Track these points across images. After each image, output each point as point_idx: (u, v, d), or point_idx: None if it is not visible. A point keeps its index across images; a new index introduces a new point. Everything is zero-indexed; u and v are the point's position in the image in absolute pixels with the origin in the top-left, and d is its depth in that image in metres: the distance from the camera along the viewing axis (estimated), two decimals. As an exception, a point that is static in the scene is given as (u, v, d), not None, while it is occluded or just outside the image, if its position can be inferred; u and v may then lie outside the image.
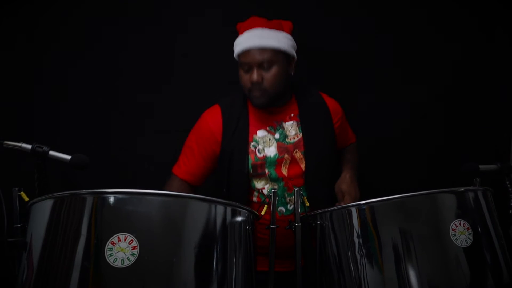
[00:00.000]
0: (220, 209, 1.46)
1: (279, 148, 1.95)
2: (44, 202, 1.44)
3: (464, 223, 1.50)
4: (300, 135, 1.97)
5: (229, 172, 1.94)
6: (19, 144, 1.62)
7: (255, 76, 1.87)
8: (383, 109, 2.46)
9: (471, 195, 1.58)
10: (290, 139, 1.97)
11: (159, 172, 2.14)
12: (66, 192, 1.40)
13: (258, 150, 1.94)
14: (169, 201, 1.42)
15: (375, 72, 2.45)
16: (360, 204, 1.56)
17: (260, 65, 1.88)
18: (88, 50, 2.35)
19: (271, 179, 1.94)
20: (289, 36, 1.96)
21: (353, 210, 1.56)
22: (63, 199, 1.40)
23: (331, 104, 2.07)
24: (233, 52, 1.97)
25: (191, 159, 2.00)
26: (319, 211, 1.64)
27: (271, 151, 1.94)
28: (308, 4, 2.39)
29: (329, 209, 1.63)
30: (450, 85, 2.48)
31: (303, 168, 1.94)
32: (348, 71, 2.45)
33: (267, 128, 1.97)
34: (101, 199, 1.37)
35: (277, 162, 1.94)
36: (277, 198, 1.88)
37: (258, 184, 1.95)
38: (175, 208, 1.42)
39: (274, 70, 1.89)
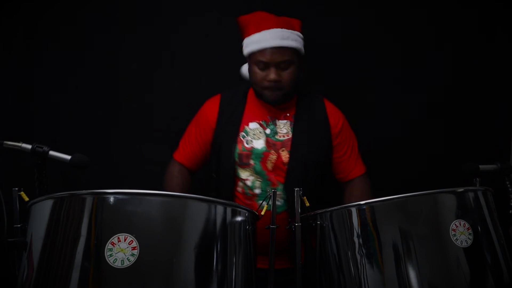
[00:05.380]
0: (220, 209, 1.46)
1: (267, 143, 1.97)
2: (44, 202, 1.44)
3: (464, 223, 1.50)
4: (290, 135, 1.98)
5: (218, 159, 1.99)
6: (19, 144, 1.62)
7: (273, 75, 1.90)
8: (383, 109, 2.46)
9: (471, 195, 1.58)
10: (280, 136, 1.98)
11: (159, 172, 2.14)
12: (66, 193, 1.40)
13: (247, 141, 1.96)
14: (169, 202, 1.42)
15: (375, 72, 2.44)
16: (360, 204, 1.55)
17: (278, 65, 1.90)
18: (88, 50, 2.35)
19: (255, 172, 1.96)
20: (301, 35, 1.99)
21: (353, 210, 1.56)
22: (63, 199, 1.40)
23: (331, 112, 2.05)
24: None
25: (188, 144, 2.07)
26: (319, 211, 1.64)
27: (259, 143, 1.96)
28: (309, 4, 2.40)
29: (329, 209, 1.63)
30: (450, 85, 2.48)
31: (286, 167, 1.95)
32: (348, 70, 2.44)
33: (260, 121, 2.00)
34: (101, 199, 1.37)
35: (263, 155, 1.96)
36: (260, 192, 1.94)
37: (243, 175, 1.97)
38: (175, 208, 1.42)
39: (291, 69, 1.93)
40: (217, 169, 2.00)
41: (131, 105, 2.40)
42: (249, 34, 1.96)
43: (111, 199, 1.37)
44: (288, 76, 1.92)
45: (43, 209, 1.43)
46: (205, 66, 2.38)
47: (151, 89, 2.40)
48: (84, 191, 1.38)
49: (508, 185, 1.76)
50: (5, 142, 1.62)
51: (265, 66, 1.91)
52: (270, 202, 1.61)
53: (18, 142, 1.63)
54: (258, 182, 1.96)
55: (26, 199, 1.53)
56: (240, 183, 1.98)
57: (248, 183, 1.96)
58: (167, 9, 2.37)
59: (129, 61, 2.38)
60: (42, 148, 1.61)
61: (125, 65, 2.38)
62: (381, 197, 1.53)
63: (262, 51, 1.91)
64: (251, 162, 1.96)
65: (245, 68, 2.07)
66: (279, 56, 1.90)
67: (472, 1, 2.45)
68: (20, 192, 1.55)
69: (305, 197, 1.67)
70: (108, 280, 1.31)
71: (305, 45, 2.00)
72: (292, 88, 1.96)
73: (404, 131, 2.47)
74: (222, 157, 1.98)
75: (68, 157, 1.62)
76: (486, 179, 1.71)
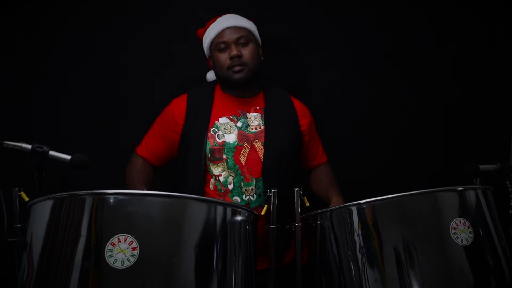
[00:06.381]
0: (220, 209, 1.46)
1: (239, 135, 1.97)
2: (44, 202, 1.44)
3: (464, 222, 1.50)
4: (262, 127, 2.00)
5: (187, 156, 1.98)
6: (19, 144, 1.62)
7: (235, 51, 1.96)
8: (383, 109, 2.46)
9: (471, 193, 1.59)
10: (252, 128, 2.00)
11: (159, 172, 2.13)
12: (66, 193, 1.40)
13: (218, 136, 1.97)
14: (169, 202, 1.42)
15: (374, 72, 2.45)
16: (360, 203, 1.56)
17: (237, 42, 1.98)
18: (88, 50, 2.35)
19: (228, 166, 1.95)
20: (256, 30, 2.07)
21: (353, 209, 1.56)
22: (63, 200, 1.40)
23: (299, 106, 2.10)
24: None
25: (152, 140, 2.08)
26: (319, 211, 1.64)
27: (231, 137, 1.97)
28: (309, 4, 2.40)
29: (329, 208, 1.63)
30: (450, 85, 2.48)
31: (262, 159, 1.96)
32: (347, 70, 2.45)
33: (230, 116, 2.01)
34: (101, 200, 1.37)
35: (235, 149, 1.96)
36: (233, 187, 1.93)
37: (215, 170, 1.95)
38: (175, 209, 1.42)
39: (250, 46, 2.00)
40: (186, 167, 1.98)
41: (131, 105, 2.40)
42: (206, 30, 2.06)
43: (111, 199, 1.37)
44: (249, 52, 1.98)
45: (43, 209, 1.43)
46: (205, 65, 2.38)
47: (151, 89, 2.40)
48: (84, 192, 1.38)
49: (508, 185, 1.76)
50: (5, 142, 1.62)
51: (226, 46, 1.98)
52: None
53: (18, 142, 1.62)
54: (231, 178, 1.94)
55: (26, 199, 1.53)
56: (212, 180, 1.96)
57: (221, 179, 1.95)
58: (167, 9, 2.37)
59: (129, 61, 2.38)
60: (42, 148, 1.60)
61: (125, 65, 2.38)
62: (381, 196, 1.53)
63: (219, 35, 2.00)
64: (224, 156, 1.95)
65: (210, 74, 2.16)
66: (235, 33, 1.98)
67: (472, 1, 2.45)
68: (20, 192, 1.55)
69: (305, 197, 1.67)
70: (108, 281, 1.31)
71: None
72: (256, 67, 1.99)
73: (404, 131, 2.47)
74: (192, 153, 1.97)
75: (68, 157, 1.61)
76: (486, 179, 1.71)
